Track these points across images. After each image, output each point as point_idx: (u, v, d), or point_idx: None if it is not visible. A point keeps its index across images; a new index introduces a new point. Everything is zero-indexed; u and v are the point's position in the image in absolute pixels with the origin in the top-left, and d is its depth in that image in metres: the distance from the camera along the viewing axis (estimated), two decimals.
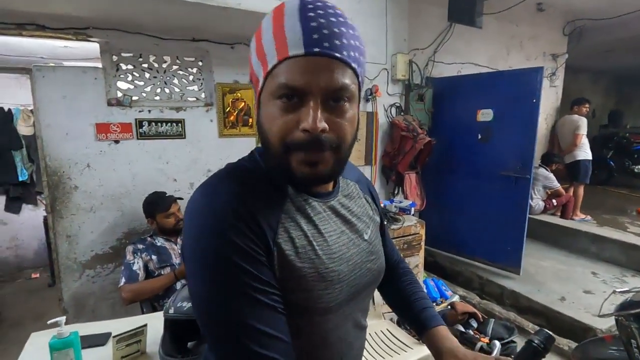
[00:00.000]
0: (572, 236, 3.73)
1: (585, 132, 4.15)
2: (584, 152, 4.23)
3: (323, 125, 0.48)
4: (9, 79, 3.72)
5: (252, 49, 0.54)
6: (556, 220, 4.06)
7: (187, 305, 1.10)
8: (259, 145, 0.60)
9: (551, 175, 4.08)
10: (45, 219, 3.60)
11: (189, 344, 1.21)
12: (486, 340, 1.89)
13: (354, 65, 0.50)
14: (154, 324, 1.28)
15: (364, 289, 0.63)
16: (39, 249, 4.00)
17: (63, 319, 1.10)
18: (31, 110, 3.72)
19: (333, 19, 0.49)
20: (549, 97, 4.83)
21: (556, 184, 4.07)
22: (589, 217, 4.24)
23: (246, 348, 0.47)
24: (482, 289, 3.16)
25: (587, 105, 4.24)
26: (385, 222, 0.80)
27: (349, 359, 0.64)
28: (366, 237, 0.64)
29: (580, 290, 2.87)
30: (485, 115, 3.19)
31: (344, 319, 0.61)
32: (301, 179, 0.52)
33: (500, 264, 3.20)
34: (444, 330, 0.70)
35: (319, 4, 0.50)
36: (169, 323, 1.14)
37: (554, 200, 4.15)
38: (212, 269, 0.48)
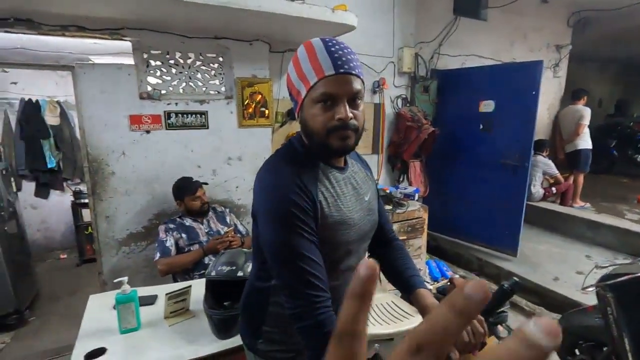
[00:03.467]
0: (569, 222, 3.92)
1: (588, 122, 4.28)
2: (585, 142, 4.36)
3: (351, 115, 0.78)
4: (34, 72, 3.93)
5: (292, 72, 0.81)
6: (554, 206, 4.23)
7: (226, 268, 1.32)
8: (295, 133, 0.90)
9: (550, 162, 4.25)
10: (74, 204, 3.88)
11: (225, 303, 1.44)
12: None
13: (361, 77, 0.80)
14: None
15: (365, 234, 0.92)
16: (66, 231, 4.28)
17: (126, 278, 1.33)
18: (57, 102, 3.95)
19: (346, 51, 0.78)
20: (552, 88, 4.94)
21: (555, 170, 4.24)
22: (588, 205, 4.40)
23: (299, 267, 0.75)
24: (481, 269, 3.38)
25: (585, 97, 4.35)
26: (391, 207, 1.05)
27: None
28: (366, 198, 0.93)
29: (573, 271, 3.07)
30: (487, 106, 3.35)
31: (353, 254, 0.90)
32: (337, 150, 0.80)
33: (498, 247, 3.40)
34: (426, 292, 0.90)
35: (334, 41, 0.79)
36: (210, 284, 1.37)
37: (553, 188, 4.32)
38: (282, 220, 0.77)
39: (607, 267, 1.89)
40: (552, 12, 4.59)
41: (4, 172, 2.83)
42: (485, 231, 3.46)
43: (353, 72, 0.77)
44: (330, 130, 0.77)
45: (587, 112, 4.26)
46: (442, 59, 3.80)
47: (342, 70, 0.75)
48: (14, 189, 3.07)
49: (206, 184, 2.33)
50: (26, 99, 3.79)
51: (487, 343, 0.78)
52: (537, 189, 4.25)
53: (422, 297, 0.89)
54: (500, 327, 2.15)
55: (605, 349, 1.89)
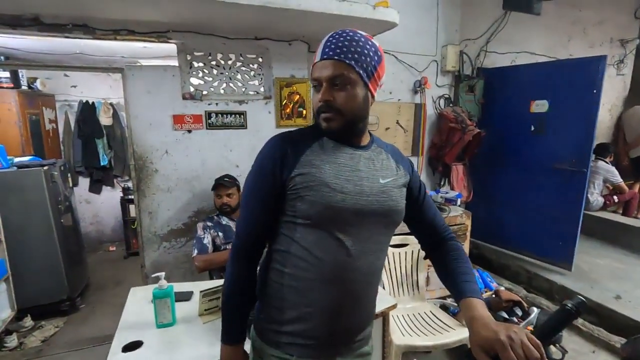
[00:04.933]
0: (633, 234, 3.53)
1: None
2: None
3: (327, 97, 0.83)
4: (91, 76, 4.22)
5: None
6: (616, 217, 3.84)
7: None
8: None
9: (613, 169, 3.85)
10: (122, 200, 4.11)
11: None
12: (530, 328, 1.93)
13: (348, 62, 0.81)
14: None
15: (371, 214, 0.88)
16: (115, 225, 4.55)
17: (163, 274, 1.36)
18: (110, 103, 4.22)
19: (341, 39, 0.82)
20: (615, 86, 4.51)
21: (618, 179, 3.84)
22: None
23: (244, 216, 0.92)
24: (530, 282, 3.13)
25: None
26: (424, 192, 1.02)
27: (354, 264, 0.87)
28: (382, 180, 0.91)
29: (638, 290, 2.75)
30: (539, 106, 3.11)
31: (349, 229, 0.86)
32: (324, 129, 0.87)
33: (550, 259, 3.13)
34: (477, 301, 0.81)
35: (340, 32, 0.84)
36: None
37: (615, 197, 3.91)
38: (250, 177, 0.90)
39: None
40: (616, 4, 4.18)
41: (62, 169, 3.05)
42: (536, 241, 3.20)
43: (335, 57, 0.81)
44: (317, 112, 0.86)
45: None
46: (489, 56, 3.58)
47: (325, 57, 0.82)
48: (71, 184, 3.30)
49: (233, 186, 2.26)
50: (84, 101, 4.09)
51: None
52: (596, 198, 3.87)
53: (470, 306, 0.80)
54: (553, 348, 1.96)
55: None
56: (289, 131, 0.92)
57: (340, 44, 0.81)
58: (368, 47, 0.83)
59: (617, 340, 2.29)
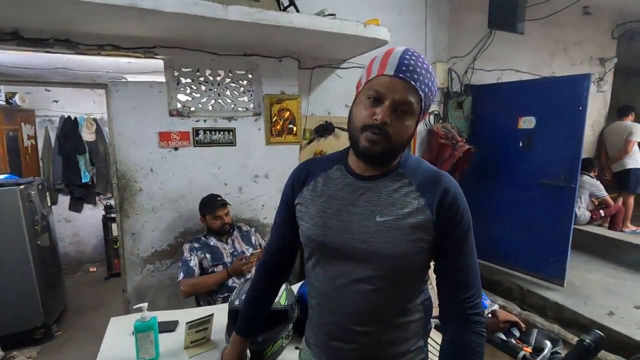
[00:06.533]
0: (621, 248, 3.56)
1: (639, 139, 3.97)
2: (635, 161, 4.03)
3: (387, 118, 0.74)
4: (74, 91, 4.11)
5: (365, 69, 0.82)
6: (604, 231, 3.88)
7: None
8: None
9: (598, 183, 3.92)
10: (104, 218, 3.95)
11: None
12: (529, 349, 1.87)
13: (421, 92, 0.75)
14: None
15: (354, 253, 0.81)
16: (97, 244, 4.36)
17: (145, 305, 1.26)
18: (94, 119, 4.10)
19: (417, 63, 0.76)
20: (596, 103, 4.64)
21: (604, 193, 3.90)
22: None
23: (274, 225, 1.03)
24: (523, 299, 3.10)
25: (632, 114, 4.08)
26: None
27: (340, 297, 0.84)
28: (378, 219, 0.79)
29: (630, 305, 2.75)
30: (527, 122, 3.15)
31: (336, 262, 0.84)
32: (362, 150, 0.77)
33: (542, 275, 3.12)
34: None
35: (413, 54, 0.77)
36: (234, 313, 1.26)
37: (601, 211, 3.97)
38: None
39: None
40: (595, 24, 4.34)
41: (39, 187, 2.90)
42: (527, 257, 3.19)
43: (411, 82, 0.74)
44: (364, 128, 0.76)
45: (637, 128, 3.95)
46: (476, 73, 3.64)
47: (400, 75, 0.74)
48: (49, 203, 3.14)
49: (228, 204, 2.23)
50: (65, 117, 3.96)
51: None
52: (583, 212, 3.91)
53: None
54: None
55: None
56: (313, 158, 0.99)
57: (419, 69, 0.75)
58: (433, 79, 0.79)
59: (614, 359, 2.26)
